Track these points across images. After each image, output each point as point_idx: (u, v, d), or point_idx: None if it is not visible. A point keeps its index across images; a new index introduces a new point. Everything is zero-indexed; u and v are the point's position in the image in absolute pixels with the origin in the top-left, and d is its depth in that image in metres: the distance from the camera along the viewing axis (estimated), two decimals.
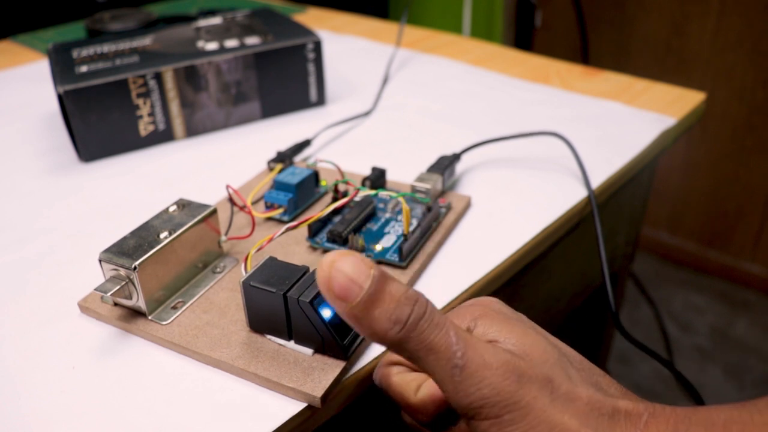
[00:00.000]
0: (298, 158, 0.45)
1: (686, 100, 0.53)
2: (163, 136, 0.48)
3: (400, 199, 0.32)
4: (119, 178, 0.44)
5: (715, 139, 1.41)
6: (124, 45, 0.50)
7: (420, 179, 0.37)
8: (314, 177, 0.38)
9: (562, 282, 0.47)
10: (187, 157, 0.46)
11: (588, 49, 1.34)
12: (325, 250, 0.34)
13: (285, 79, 0.51)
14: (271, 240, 0.30)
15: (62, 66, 0.46)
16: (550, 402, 0.21)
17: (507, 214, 0.38)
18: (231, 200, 0.35)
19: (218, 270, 0.32)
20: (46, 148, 0.48)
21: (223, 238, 0.33)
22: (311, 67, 0.52)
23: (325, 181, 0.40)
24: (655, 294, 1.45)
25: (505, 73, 0.60)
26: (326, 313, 0.26)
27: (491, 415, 0.20)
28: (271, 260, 0.28)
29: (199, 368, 0.28)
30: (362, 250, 0.33)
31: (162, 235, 0.30)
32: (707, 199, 1.49)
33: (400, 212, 0.36)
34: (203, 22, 0.56)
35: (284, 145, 0.47)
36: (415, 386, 0.25)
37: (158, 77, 0.46)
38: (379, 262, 0.33)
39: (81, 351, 0.29)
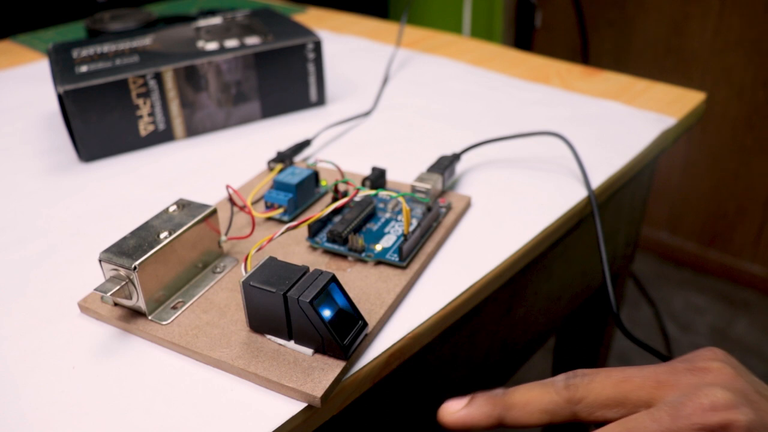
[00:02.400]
0: (298, 158, 0.45)
1: (686, 100, 0.53)
2: (163, 136, 0.48)
3: (400, 199, 0.32)
4: (119, 178, 0.44)
5: (715, 139, 1.41)
6: (124, 45, 0.50)
7: (420, 179, 0.37)
8: (314, 177, 0.38)
9: (562, 282, 0.47)
10: (187, 157, 0.46)
11: (588, 49, 1.34)
12: (325, 250, 0.34)
13: (285, 79, 0.51)
14: (271, 240, 0.30)
15: (62, 66, 0.46)
16: None
17: (507, 214, 0.38)
18: (231, 200, 0.35)
19: (218, 270, 0.32)
20: (46, 148, 0.48)
21: (223, 238, 0.33)
22: (311, 67, 0.52)
23: (325, 181, 0.40)
24: (655, 294, 1.45)
25: (505, 73, 0.60)
26: (326, 313, 0.26)
27: None
28: (271, 260, 0.28)
29: (199, 368, 0.28)
30: (362, 250, 0.33)
31: (162, 235, 0.30)
32: (707, 199, 1.49)
33: (400, 212, 0.36)
34: (203, 22, 0.56)
35: (284, 145, 0.47)
36: None
37: (158, 77, 0.46)
38: (379, 262, 0.33)
39: (81, 351, 0.29)
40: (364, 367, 0.28)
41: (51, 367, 0.28)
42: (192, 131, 0.49)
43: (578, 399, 0.25)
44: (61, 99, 0.43)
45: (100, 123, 0.45)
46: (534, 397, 0.25)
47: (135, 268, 0.28)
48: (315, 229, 0.34)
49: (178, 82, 0.47)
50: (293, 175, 0.37)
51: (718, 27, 1.31)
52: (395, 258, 0.32)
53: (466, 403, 0.26)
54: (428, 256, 0.34)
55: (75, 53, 0.49)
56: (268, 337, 0.28)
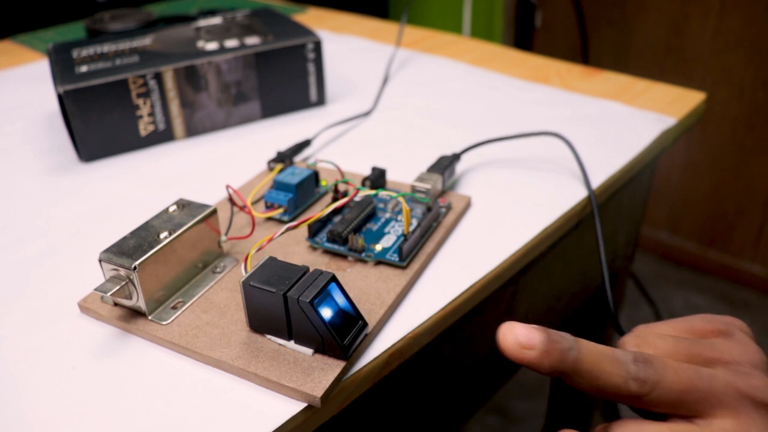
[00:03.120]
0: (298, 158, 0.45)
1: (686, 100, 0.53)
2: (163, 136, 0.48)
3: (400, 199, 0.32)
4: (119, 178, 0.44)
5: (715, 139, 1.41)
6: (124, 45, 0.50)
7: (420, 179, 0.37)
8: (314, 177, 0.38)
9: (562, 282, 0.47)
10: (187, 157, 0.46)
11: (588, 49, 1.34)
12: (325, 250, 0.34)
13: (285, 79, 0.51)
14: (271, 240, 0.30)
15: (62, 66, 0.46)
16: None
17: (507, 214, 0.38)
18: (231, 200, 0.35)
19: (218, 270, 0.32)
20: (46, 148, 0.48)
21: (223, 238, 0.33)
22: (311, 67, 0.52)
23: (325, 181, 0.40)
24: (655, 294, 1.45)
25: (505, 73, 0.60)
26: (326, 313, 0.26)
27: None
28: (271, 260, 0.28)
29: (199, 368, 0.28)
30: (362, 250, 0.33)
31: (162, 235, 0.30)
32: (707, 199, 1.49)
33: (400, 212, 0.36)
34: (203, 22, 0.56)
35: (284, 145, 0.47)
36: None
37: (158, 77, 0.46)
38: (379, 262, 0.33)
39: (81, 351, 0.29)
40: (364, 367, 0.28)
41: (51, 367, 0.28)
42: (192, 131, 0.49)
43: (644, 393, 0.24)
44: (61, 99, 0.43)
45: (100, 123, 0.45)
46: (603, 373, 0.24)
47: (135, 268, 0.28)
48: (315, 229, 0.34)
49: (178, 82, 0.47)
50: (293, 175, 0.37)
51: (718, 27, 1.31)
52: (395, 258, 0.32)
53: (539, 345, 0.24)
54: (428, 256, 0.34)
55: (75, 53, 0.49)
56: (268, 337, 0.28)
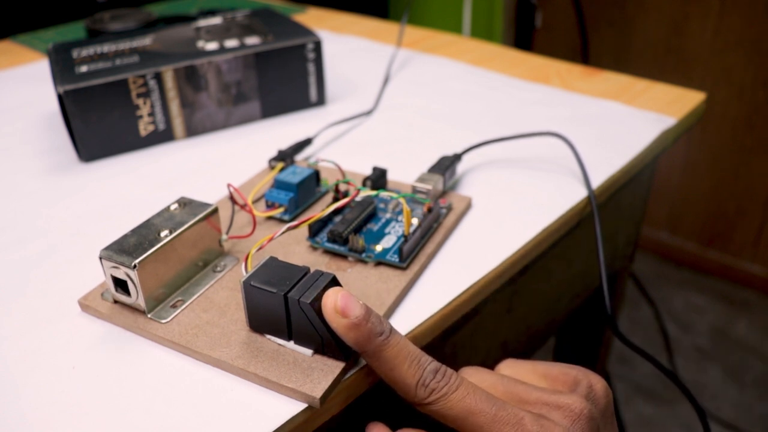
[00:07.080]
0: (299, 157, 0.45)
1: (686, 100, 0.53)
2: (163, 136, 0.48)
3: (401, 200, 0.32)
4: (119, 178, 0.44)
5: (715, 139, 1.41)
6: (124, 45, 0.50)
7: (421, 179, 0.37)
8: (315, 176, 0.38)
9: (563, 282, 0.47)
10: (187, 157, 0.46)
11: (588, 49, 1.34)
12: (326, 250, 0.34)
13: (285, 79, 0.51)
14: (271, 239, 0.30)
15: (62, 66, 0.46)
16: None
17: (507, 214, 0.38)
18: (232, 198, 0.35)
19: (218, 269, 0.32)
20: (46, 148, 0.48)
21: (224, 236, 0.33)
22: (311, 67, 0.52)
23: (326, 181, 0.40)
24: (655, 294, 1.45)
25: (505, 73, 0.60)
26: None
27: None
28: (272, 260, 0.28)
29: (199, 367, 0.28)
30: (362, 250, 0.33)
31: (163, 234, 0.30)
32: (707, 199, 1.49)
33: (400, 212, 0.36)
34: (203, 22, 0.56)
35: (284, 145, 0.47)
36: None
37: (158, 77, 0.46)
38: (379, 263, 0.33)
39: (81, 350, 0.29)
40: (364, 367, 0.28)
41: (51, 367, 0.28)
42: (192, 131, 0.49)
43: (428, 402, 0.25)
44: (61, 99, 0.43)
45: (100, 123, 0.45)
46: (400, 368, 0.25)
47: (135, 266, 0.28)
48: (315, 229, 0.34)
49: (178, 82, 0.47)
50: (294, 175, 0.37)
51: (718, 27, 1.31)
52: (395, 259, 0.32)
53: (353, 317, 0.24)
54: (428, 257, 0.34)
55: (75, 53, 0.49)
56: (268, 337, 0.28)
